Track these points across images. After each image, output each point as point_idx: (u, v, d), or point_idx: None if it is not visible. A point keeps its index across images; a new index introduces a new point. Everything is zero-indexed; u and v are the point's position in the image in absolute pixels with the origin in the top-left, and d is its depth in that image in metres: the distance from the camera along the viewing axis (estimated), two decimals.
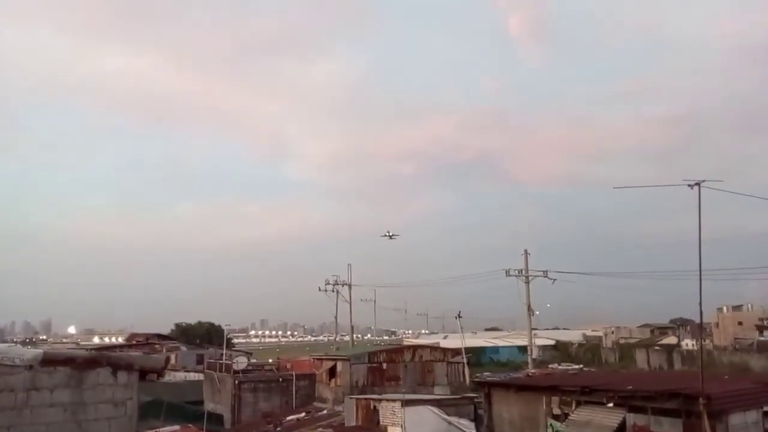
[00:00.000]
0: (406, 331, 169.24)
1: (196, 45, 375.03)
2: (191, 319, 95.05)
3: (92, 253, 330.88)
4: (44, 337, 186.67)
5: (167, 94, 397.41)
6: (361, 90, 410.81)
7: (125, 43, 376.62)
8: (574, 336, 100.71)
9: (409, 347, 51.36)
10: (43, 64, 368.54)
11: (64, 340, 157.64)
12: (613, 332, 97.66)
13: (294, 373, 45.92)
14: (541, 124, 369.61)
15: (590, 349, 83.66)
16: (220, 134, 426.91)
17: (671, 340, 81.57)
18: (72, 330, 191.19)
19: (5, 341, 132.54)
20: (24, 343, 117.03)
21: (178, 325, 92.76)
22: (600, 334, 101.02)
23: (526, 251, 51.83)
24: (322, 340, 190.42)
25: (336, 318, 67.94)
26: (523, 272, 50.89)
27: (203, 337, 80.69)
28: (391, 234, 73.41)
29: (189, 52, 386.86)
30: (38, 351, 9.92)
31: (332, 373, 45.08)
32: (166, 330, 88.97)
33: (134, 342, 70.65)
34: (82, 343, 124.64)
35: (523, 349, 64.47)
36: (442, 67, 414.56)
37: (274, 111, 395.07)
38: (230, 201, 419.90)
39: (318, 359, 49.48)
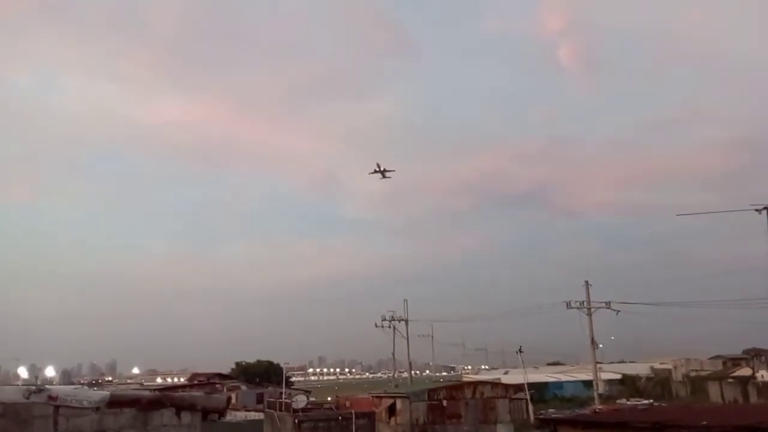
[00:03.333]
0: (465, 367, 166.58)
1: (249, 90, 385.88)
2: (250, 358, 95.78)
3: (152, 295, 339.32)
4: (110, 379, 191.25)
5: (223, 139, 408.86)
6: (411, 126, 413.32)
7: (181, 91, 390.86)
8: (641, 369, 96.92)
9: (469, 383, 50.37)
10: (103, 114, 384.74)
11: (129, 381, 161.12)
12: (682, 364, 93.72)
13: (353, 412, 45.47)
14: (595, 153, 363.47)
15: (659, 383, 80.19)
16: (274, 175, 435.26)
17: (745, 371, 77.76)
18: (136, 371, 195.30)
19: (72, 383, 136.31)
20: (90, 385, 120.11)
21: (238, 364, 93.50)
22: (669, 366, 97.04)
23: (587, 282, 50.59)
24: (380, 377, 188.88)
25: (393, 354, 67.51)
26: (585, 304, 49.55)
27: (263, 375, 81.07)
28: (383, 169, 70.01)
29: (242, 97, 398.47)
30: (105, 393, 10.06)
31: (392, 411, 44.50)
32: (226, 369, 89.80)
33: (196, 382, 71.47)
34: (145, 383, 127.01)
35: (588, 384, 62.37)
36: (491, 100, 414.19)
37: (327, 150, 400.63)
38: (285, 240, 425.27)
39: (377, 397, 48.97)
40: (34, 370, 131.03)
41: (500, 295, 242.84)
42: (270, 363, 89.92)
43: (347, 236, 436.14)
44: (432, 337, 74.72)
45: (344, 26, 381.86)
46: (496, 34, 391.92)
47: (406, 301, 68.09)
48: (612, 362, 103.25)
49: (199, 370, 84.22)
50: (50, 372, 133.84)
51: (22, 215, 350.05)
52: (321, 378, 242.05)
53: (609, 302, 49.56)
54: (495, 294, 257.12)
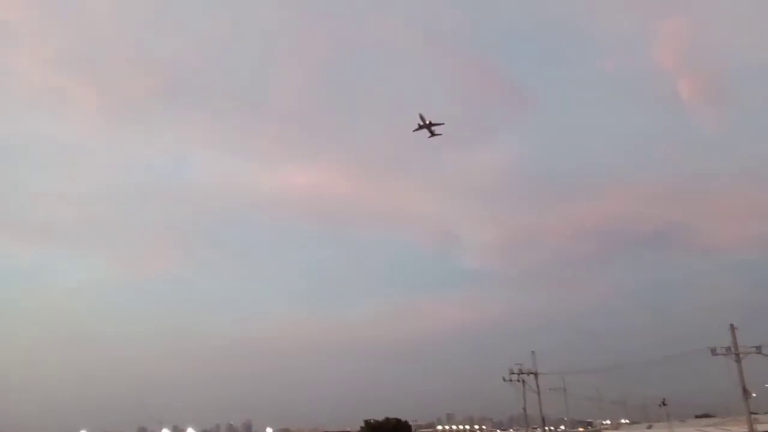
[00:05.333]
0: (603, 421, 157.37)
1: (366, 151, 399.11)
2: (378, 415, 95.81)
3: (282, 354, 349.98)
4: None
5: (343, 200, 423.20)
6: (526, 172, 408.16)
7: (302, 159, 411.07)
8: None
9: None
10: (231, 185, 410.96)
11: None
12: None
13: None
14: (729, 186, 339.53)
15: None
16: (393, 232, 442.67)
17: None
18: (269, 430, 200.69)
19: None
20: None
21: (366, 422, 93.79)
22: None
23: (732, 326, 46.77)
24: None
25: (524, 409, 65.03)
26: (732, 349, 45.69)
27: None
28: (428, 122, 61.07)
29: (360, 159, 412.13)
30: None
31: None
32: (355, 427, 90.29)
33: None
34: None
35: None
36: (610, 140, 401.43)
37: (442, 203, 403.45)
38: (407, 295, 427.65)
39: None
40: (176, 431, 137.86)
41: (636, 343, 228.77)
42: (398, 420, 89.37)
43: (468, 288, 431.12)
44: (564, 390, 71.48)
45: (455, 81, 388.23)
46: (611, 74, 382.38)
47: (533, 353, 65.93)
48: None
49: (330, 428, 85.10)
50: None
51: (159, 284, 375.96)
52: None
53: (759, 347, 45.45)
54: (630, 342, 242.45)
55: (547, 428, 78.89)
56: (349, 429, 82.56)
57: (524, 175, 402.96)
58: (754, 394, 56.97)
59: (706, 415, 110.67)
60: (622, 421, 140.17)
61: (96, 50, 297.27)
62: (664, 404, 63.03)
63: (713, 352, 46.02)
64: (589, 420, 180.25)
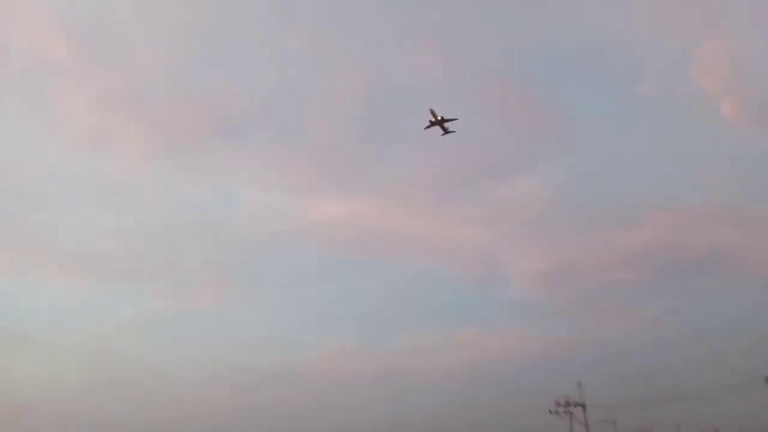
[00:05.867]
0: None
1: (405, 184, 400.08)
2: None
3: (324, 388, 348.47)
4: None
5: (383, 232, 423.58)
6: (569, 200, 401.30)
7: (342, 191, 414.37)
8: None
9: None
10: (272, 219, 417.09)
11: None
12: None
13: None
14: None
15: None
16: (432, 263, 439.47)
17: None
18: None
19: None
20: None
21: None
22: None
23: None
24: None
25: None
26: None
27: None
28: (440, 118, 56.00)
29: (399, 191, 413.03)
30: None
31: None
32: None
33: None
34: None
35: None
36: (654, 164, 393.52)
37: (482, 233, 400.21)
38: (448, 326, 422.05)
39: None
40: None
41: (687, 374, 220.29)
42: None
43: (512, 319, 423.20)
44: (614, 423, 68.86)
45: (492, 110, 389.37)
46: (652, 99, 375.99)
47: (580, 384, 63.97)
48: None
49: None
50: None
51: (204, 318, 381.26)
52: None
53: None
54: (681, 372, 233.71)
55: None
56: None
57: (567, 202, 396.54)
58: None
59: None
60: None
61: (141, 89, 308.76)
62: None
63: None
64: None
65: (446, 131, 60.42)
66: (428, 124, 58.47)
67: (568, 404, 62.42)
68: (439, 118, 58.65)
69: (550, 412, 62.70)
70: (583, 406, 62.33)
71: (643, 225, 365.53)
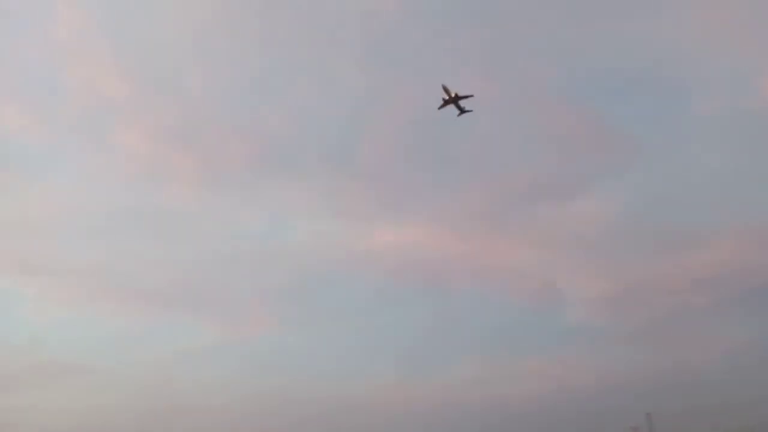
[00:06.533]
0: None
1: (458, 209, 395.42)
2: None
3: (381, 418, 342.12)
4: None
5: (436, 258, 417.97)
6: (631, 222, 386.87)
7: (394, 217, 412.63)
8: None
9: None
10: (327, 246, 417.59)
11: None
12: None
13: None
14: None
15: None
16: (489, 288, 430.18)
17: None
18: None
19: None
20: None
21: None
22: None
23: None
24: None
25: None
26: None
27: None
28: (454, 95, 49.82)
29: (452, 216, 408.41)
30: None
31: None
32: None
33: None
34: None
35: None
36: (718, 183, 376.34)
37: (541, 257, 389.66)
38: (508, 354, 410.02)
39: None
40: None
41: (764, 402, 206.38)
42: None
43: (574, 346, 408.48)
44: None
45: (549, 130, 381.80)
46: (714, 116, 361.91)
47: (648, 415, 58.60)
48: None
49: None
50: None
51: (256, 348, 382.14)
52: None
53: None
54: (758, 401, 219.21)
55: None
56: None
57: (630, 223, 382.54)
58: None
59: None
60: None
61: (195, 121, 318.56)
62: None
63: None
64: None
65: (462, 111, 54.57)
66: (441, 103, 53.37)
67: None
68: (452, 95, 52.58)
69: None
70: None
71: (711, 247, 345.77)
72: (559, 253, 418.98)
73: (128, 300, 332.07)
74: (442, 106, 54.52)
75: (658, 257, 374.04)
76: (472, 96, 53.81)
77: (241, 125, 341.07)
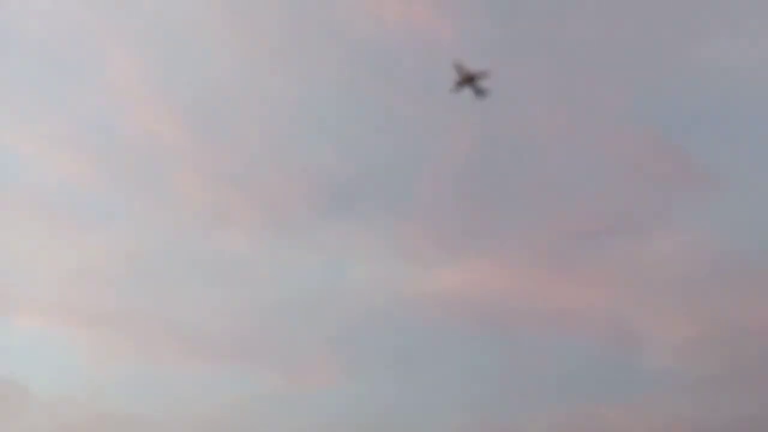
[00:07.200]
0: None
1: (523, 247, 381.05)
2: None
3: None
4: None
5: (502, 299, 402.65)
6: (715, 258, 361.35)
7: (456, 257, 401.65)
8: None
9: None
10: (388, 289, 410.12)
11: None
12: None
13: None
14: None
15: None
16: (560, 331, 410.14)
17: None
18: None
19: None
20: None
21: None
22: None
23: None
24: None
25: None
26: None
27: None
28: (469, 74, 39.93)
29: (517, 255, 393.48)
30: None
31: None
32: None
33: None
34: None
35: None
36: None
37: (616, 296, 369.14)
38: (583, 402, 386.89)
39: None
40: None
41: None
42: None
43: (658, 391, 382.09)
44: None
45: (621, 162, 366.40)
46: None
47: None
48: None
49: None
50: None
51: (316, 397, 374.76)
52: None
53: None
54: None
55: None
56: None
57: (713, 261, 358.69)
58: None
59: None
60: None
61: (251, 166, 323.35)
62: None
63: None
64: None
65: (479, 91, 45.70)
66: (454, 84, 45.03)
67: None
68: (465, 73, 43.53)
69: None
70: None
71: None
72: (636, 293, 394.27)
73: (185, 350, 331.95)
74: (454, 88, 46.48)
75: (749, 295, 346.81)
76: (488, 72, 45.24)
77: (298, 166, 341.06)
